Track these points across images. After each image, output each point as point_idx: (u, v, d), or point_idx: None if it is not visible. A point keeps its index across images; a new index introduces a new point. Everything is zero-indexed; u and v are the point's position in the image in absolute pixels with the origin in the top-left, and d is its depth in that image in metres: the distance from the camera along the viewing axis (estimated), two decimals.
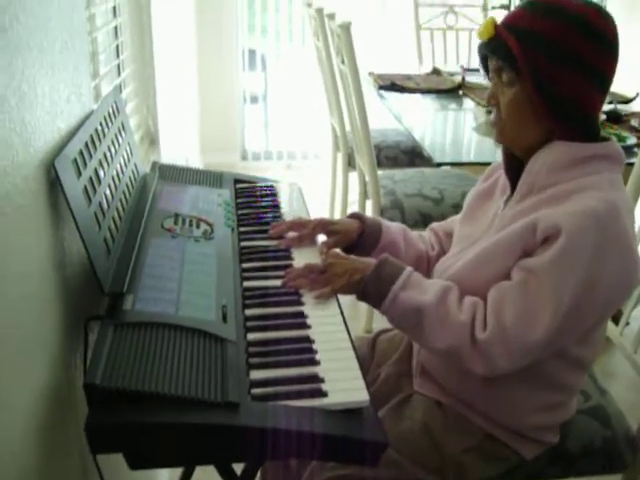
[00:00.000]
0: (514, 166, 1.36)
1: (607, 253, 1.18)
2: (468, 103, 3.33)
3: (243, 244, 1.46)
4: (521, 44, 1.22)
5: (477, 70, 3.49)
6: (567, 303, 1.17)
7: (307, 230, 1.51)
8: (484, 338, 1.20)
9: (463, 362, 1.24)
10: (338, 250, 1.50)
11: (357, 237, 1.54)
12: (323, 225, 1.53)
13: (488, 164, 1.54)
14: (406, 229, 1.60)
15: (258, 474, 1.27)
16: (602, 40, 1.22)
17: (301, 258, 1.43)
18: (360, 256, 1.53)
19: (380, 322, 1.51)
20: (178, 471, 1.58)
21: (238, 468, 1.24)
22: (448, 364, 1.36)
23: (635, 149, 2.50)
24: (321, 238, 1.53)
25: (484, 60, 1.35)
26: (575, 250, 1.17)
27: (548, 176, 1.26)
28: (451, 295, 1.27)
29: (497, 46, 1.27)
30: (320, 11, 3.20)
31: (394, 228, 1.57)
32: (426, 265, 1.56)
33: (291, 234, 1.50)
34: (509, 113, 1.29)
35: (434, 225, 1.67)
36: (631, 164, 1.78)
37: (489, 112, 1.53)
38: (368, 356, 1.64)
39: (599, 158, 1.26)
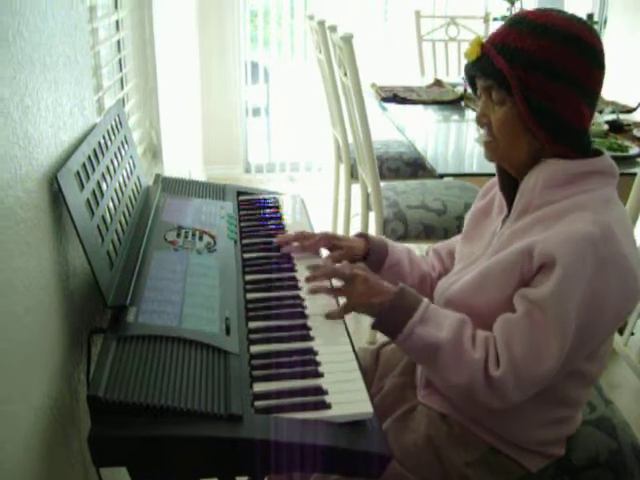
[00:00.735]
0: (509, 184, 1.36)
1: (605, 275, 1.18)
2: (470, 114, 3.33)
3: (246, 256, 1.46)
4: (510, 63, 1.22)
5: None
6: (572, 330, 1.17)
7: (311, 241, 1.51)
8: (498, 375, 1.20)
9: (476, 397, 1.24)
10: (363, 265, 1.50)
11: (363, 256, 1.55)
12: (328, 239, 1.53)
13: (491, 175, 1.54)
14: (410, 250, 1.61)
15: None
16: (591, 56, 1.22)
17: (304, 270, 1.43)
18: None
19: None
20: None
21: None
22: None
23: (638, 159, 2.50)
24: (324, 253, 1.53)
25: (472, 79, 1.35)
26: (573, 277, 1.17)
27: (543, 194, 1.26)
28: (466, 331, 1.26)
29: (485, 66, 1.26)
30: (322, 23, 3.21)
31: (399, 248, 1.58)
32: (429, 285, 1.57)
33: (295, 244, 1.51)
34: (501, 131, 1.29)
35: (437, 246, 1.67)
36: (634, 174, 1.78)
37: None
38: (372, 367, 1.63)
39: (593, 174, 1.25)
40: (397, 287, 1.31)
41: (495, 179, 1.44)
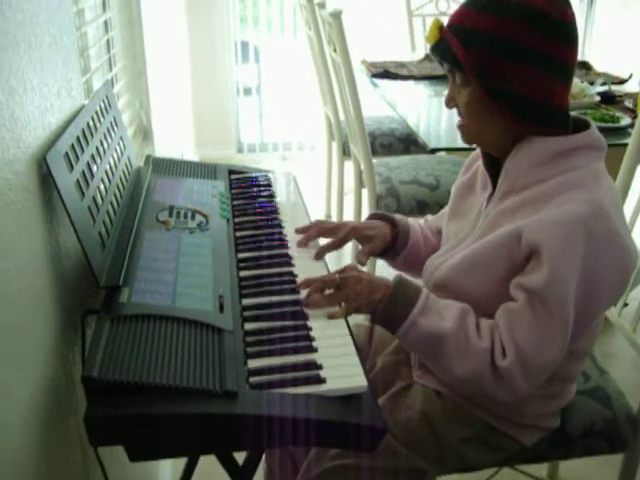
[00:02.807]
0: (493, 161, 1.33)
1: (599, 254, 1.16)
2: None
3: (238, 234, 1.46)
4: (464, 46, 1.18)
5: None
6: (573, 313, 1.16)
7: (339, 237, 1.46)
8: (505, 365, 1.18)
9: (484, 389, 1.22)
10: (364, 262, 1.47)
11: (391, 242, 1.51)
12: (356, 231, 1.48)
13: None
14: (421, 224, 1.59)
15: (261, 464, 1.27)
16: (552, 27, 1.15)
17: (297, 248, 1.43)
18: (388, 259, 1.53)
19: None
20: (181, 462, 1.58)
21: (240, 458, 1.25)
22: None
23: (629, 129, 2.50)
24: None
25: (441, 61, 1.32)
26: (566, 261, 1.15)
27: (529, 174, 1.23)
28: (470, 320, 1.23)
29: (443, 50, 1.23)
30: (311, 0, 3.19)
31: (417, 228, 1.56)
32: None
33: (321, 240, 1.47)
34: (468, 114, 1.26)
35: (429, 218, 1.65)
36: (625, 144, 1.78)
37: None
38: (366, 344, 1.63)
39: (580, 149, 1.22)
40: (394, 278, 1.28)
41: (478, 152, 1.42)
